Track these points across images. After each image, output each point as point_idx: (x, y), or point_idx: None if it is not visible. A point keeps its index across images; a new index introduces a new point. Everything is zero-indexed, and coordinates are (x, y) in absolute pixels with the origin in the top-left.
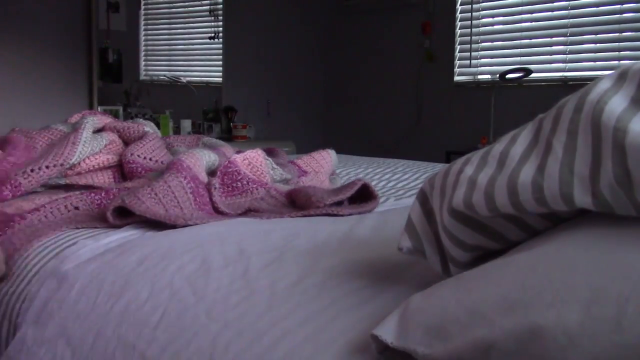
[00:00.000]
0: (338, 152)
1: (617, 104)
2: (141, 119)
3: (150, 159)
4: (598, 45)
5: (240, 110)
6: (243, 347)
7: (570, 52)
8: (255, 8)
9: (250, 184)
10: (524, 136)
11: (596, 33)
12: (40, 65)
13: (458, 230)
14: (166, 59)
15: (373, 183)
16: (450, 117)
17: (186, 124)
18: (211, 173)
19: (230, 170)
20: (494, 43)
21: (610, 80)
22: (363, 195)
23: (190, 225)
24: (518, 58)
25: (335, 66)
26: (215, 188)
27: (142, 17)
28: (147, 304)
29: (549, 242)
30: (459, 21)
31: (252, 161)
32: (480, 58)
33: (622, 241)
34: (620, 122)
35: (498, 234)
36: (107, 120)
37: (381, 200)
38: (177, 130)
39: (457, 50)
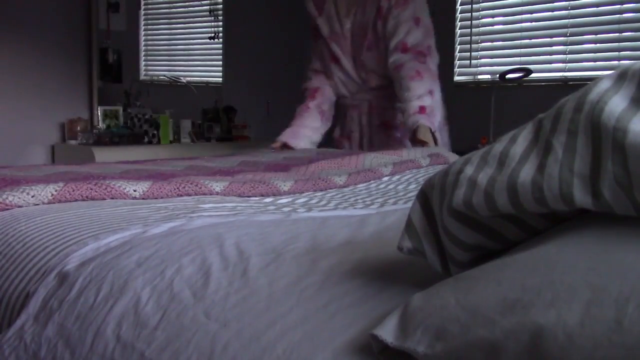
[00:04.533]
0: None
1: (617, 104)
2: None
3: None
4: (598, 45)
5: (240, 110)
6: (242, 347)
7: (570, 52)
8: (255, 8)
9: None
10: (524, 136)
11: (596, 33)
12: (40, 65)
13: (458, 230)
14: (166, 59)
15: (374, 184)
16: (450, 117)
17: (186, 124)
18: None
19: None
20: (494, 43)
21: (610, 80)
22: None
23: None
24: (518, 58)
25: None
26: None
27: (142, 17)
28: (146, 305)
29: (549, 242)
30: (459, 21)
31: None
32: (480, 58)
33: (622, 241)
34: (620, 122)
35: (498, 234)
36: None
37: (380, 200)
38: (177, 131)
39: (457, 50)
